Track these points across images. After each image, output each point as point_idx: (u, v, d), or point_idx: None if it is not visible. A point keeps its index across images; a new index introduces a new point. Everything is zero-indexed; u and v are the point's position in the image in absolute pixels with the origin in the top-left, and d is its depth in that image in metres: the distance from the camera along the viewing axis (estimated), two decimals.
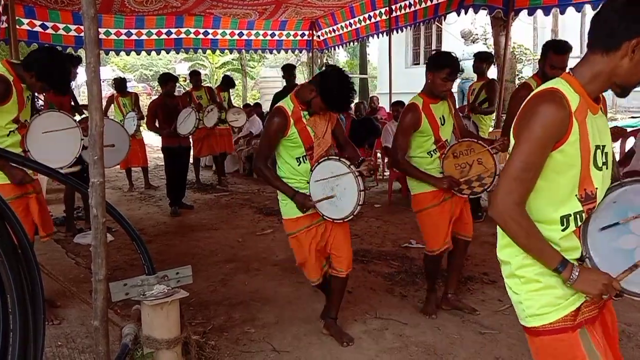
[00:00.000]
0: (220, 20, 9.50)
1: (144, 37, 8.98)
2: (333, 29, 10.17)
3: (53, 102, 5.23)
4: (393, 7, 8.52)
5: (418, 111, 3.41)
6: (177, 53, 11.02)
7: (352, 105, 8.50)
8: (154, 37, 9.07)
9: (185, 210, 7.12)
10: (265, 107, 11.52)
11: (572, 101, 1.53)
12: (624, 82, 1.55)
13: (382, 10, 8.83)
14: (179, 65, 28.17)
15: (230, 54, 20.81)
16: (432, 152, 3.49)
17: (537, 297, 1.62)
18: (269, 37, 10.35)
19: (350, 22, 9.66)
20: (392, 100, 8.22)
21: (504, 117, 10.01)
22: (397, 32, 9.18)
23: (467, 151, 3.43)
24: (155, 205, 7.62)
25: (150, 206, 7.61)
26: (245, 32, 10.00)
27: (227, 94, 9.37)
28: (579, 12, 6.65)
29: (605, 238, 1.61)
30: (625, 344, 3.25)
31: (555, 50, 3.69)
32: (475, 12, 7.41)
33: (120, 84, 8.76)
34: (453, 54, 3.37)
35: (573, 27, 12.71)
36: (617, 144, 5.18)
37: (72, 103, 5.98)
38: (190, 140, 7.53)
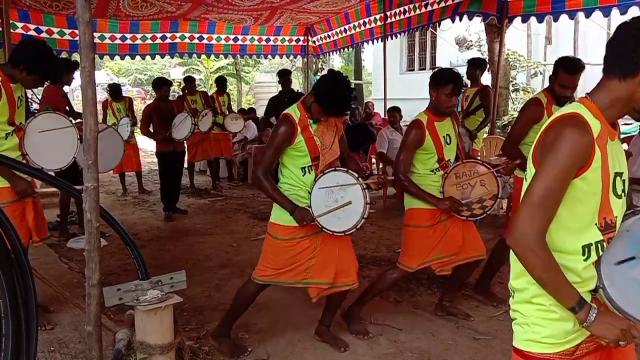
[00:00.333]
0: (215, 25, 9.51)
1: (138, 41, 8.96)
2: (328, 34, 10.19)
3: (49, 105, 5.22)
4: (388, 13, 8.54)
5: (422, 128, 3.34)
6: (172, 58, 11.02)
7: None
8: (149, 41, 9.06)
9: (179, 215, 7.10)
10: (260, 112, 11.51)
11: (594, 127, 1.49)
12: None
13: (377, 17, 8.85)
14: (174, 70, 28.17)
15: (225, 58, 20.86)
16: (435, 171, 3.43)
17: (546, 325, 1.56)
18: (264, 42, 10.35)
19: (345, 28, 9.68)
20: (387, 106, 8.25)
21: (498, 123, 10.09)
22: (392, 39, 9.21)
23: (470, 172, 3.37)
24: (149, 210, 7.59)
25: (144, 211, 7.58)
26: (240, 37, 10.00)
27: (226, 98, 9.35)
28: (572, 19, 6.68)
29: (620, 269, 1.54)
30: None
31: (566, 70, 3.58)
32: (470, 18, 7.45)
33: (115, 91, 8.73)
34: (455, 70, 3.37)
35: (566, 35, 12.80)
36: None
37: (67, 108, 5.96)
38: (185, 144, 7.51)
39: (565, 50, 13.20)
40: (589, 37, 12.18)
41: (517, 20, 6.98)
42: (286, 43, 10.62)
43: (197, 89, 9.21)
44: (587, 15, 6.08)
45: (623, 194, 1.57)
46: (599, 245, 1.54)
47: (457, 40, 14.55)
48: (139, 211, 7.57)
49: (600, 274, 1.53)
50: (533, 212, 1.47)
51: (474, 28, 13.23)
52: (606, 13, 5.91)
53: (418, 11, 8.03)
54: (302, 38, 10.68)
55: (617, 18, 6.58)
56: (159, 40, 9.12)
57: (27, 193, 3.34)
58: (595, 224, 1.53)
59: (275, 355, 3.23)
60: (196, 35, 9.50)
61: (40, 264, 4.56)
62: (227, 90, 9.87)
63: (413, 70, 18.89)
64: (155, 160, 7.53)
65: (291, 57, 12.59)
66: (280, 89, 8.47)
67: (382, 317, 3.74)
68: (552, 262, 1.48)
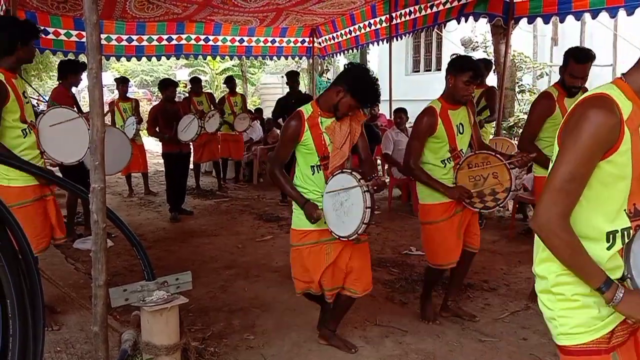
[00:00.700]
0: (221, 27, 9.53)
1: (144, 43, 9.00)
2: (333, 36, 10.19)
3: (56, 102, 5.25)
4: (393, 14, 8.54)
5: (435, 115, 3.28)
6: (178, 59, 11.08)
7: None
8: (155, 43, 9.09)
9: (185, 216, 7.12)
10: (267, 113, 11.53)
11: (624, 108, 1.43)
12: None
13: (383, 18, 8.85)
14: (180, 72, 28.25)
15: (231, 60, 20.91)
16: (445, 161, 3.36)
17: (571, 315, 1.54)
18: (269, 44, 10.37)
19: (350, 30, 9.68)
20: (392, 107, 8.24)
21: (504, 125, 10.06)
22: (397, 40, 9.21)
23: (483, 163, 3.30)
24: (155, 211, 7.61)
25: (150, 212, 7.60)
26: (245, 38, 10.02)
27: (239, 99, 9.35)
28: (578, 20, 6.65)
29: None
30: None
31: (576, 60, 3.54)
32: (476, 20, 7.43)
33: (123, 80, 8.80)
34: (474, 58, 3.35)
35: (573, 36, 12.73)
36: None
37: (75, 109, 5.99)
38: (191, 146, 7.53)
39: None
40: (596, 38, 12.11)
41: (523, 21, 6.96)
42: (292, 44, 10.64)
43: (202, 90, 9.23)
44: (594, 16, 6.05)
45: None
46: (625, 232, 1.49)
47: (463, 42, 14.50)
48: (145, 212, 7.59)
49: (628, 263, 1.48)
50: (555, 196, 1.44)
51: (479, 29, 13.20)
52: (613, 14, 5.88)
53: (423, 12, 8.02)
54: (307, 39, 10.69)
55: (623, 19, 6.57)
56: (165, 42, 9.15)
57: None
58: (624, 210, 1.48)
59: (281, 357, 3.23)
60: (202, 37, 9.53)
61: (47, 265, 4.58)
62: (239, 91, 9.87)
63: (418, 71, 18.84)
64: (161, 161, 7.55)
65: (296, 59, 12.60)
66: (287, 90, 8.48)
67: (388, 319, 3.74)
68: (576, 244, 1.45)
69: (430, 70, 18.43)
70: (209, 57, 11.13)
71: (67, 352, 3.22)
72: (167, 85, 7.06)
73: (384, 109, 11.45)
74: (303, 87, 16.01)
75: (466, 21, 7.41)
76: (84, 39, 7.80)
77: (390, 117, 8.33)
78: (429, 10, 7.90)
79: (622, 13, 5.76)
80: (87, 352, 3.18)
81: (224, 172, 9.86)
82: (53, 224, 3.58)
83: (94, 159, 2.04)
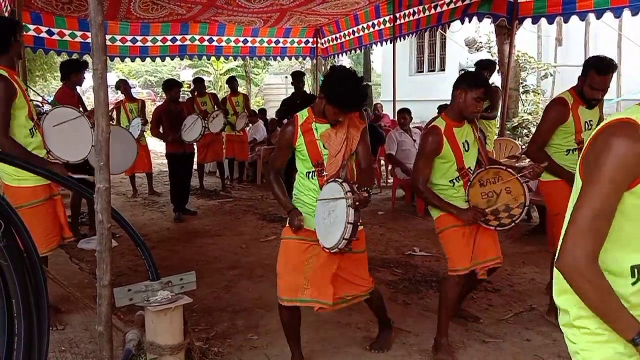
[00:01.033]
0: (225, 28, 9.56)
1: (149, 43, 9.03)
2: (337, 36, 10.21)
3: (59, 103, 5.27)
4: (397, 15, 8.55)
5: (439, 135, 3.14)
6: (182, 59, 11.10)
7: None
8: (159, 43, 9.12)
9: (188, 216, 7.13)
10: (270, 114, 11.55)
11: None
12: None
13: (386, 18, 8.86)
14: (184, 72, 28.31)
15: (235, 60, 20.93)
16: (454, 181, 3.21)
17: (596, 349, 1.41)
18: (273, 44, 10.40)
19: (354, 30, 9.69)
20: (396, 108, 8.24)
21: (508, 125, 10.05)
22: (401, 40, 9.21)
23: (495, 179, 3.16)
24: (159, 211, 7.63)
25: (154, 212, 7.62)
26: (249, 39, 10.05)
27: (240, 98, 9.37)
28: (582, 20, 6.65)
29: None
30: None
31: (598, 71, 3.36)
32: (480, 20, 7.44)
33: (123, 82, 8.87)
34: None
35: (577, 36, 12.70)
36: None
37: (81, 109, 6.01)
38: (195, 146, 7.55)
39: (576, 51, 13.12)
40: (600, 39, 12.08)
41: (527, 21, 6.96)
42: (295, 45, 10.66)
43: (206, 90, 9.26)
44: (598, 17, 6.05)
45: None
46: None
47: (467, 42, 14.50)
48: (149, 212, 7.61)
49: None
50: (581, 234, 1.32)
51: (483, 29, 13.19)
52: (617, 14, 5.87)
53: (427, 13, 8.03)
54: (311, 40, 10.71)
55: (628, 19, 6.55)
56: (169, 43, 9.18)
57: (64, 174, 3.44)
58: None
59: (284, 357, 3.23)
60: (206, 37, 9.56)
61: (51, 265, 4.58)
62: (243, 91, 9.91)
63: (422, 71, 18.85)
64: (165, 161, 7.57)
65: (300, 59, 12.61)
66: (291, 90, 8.49)
67: (391, 320, 3.73)
68: (607, 290, 1.32)
69: (434, 70, 18.43)
70: (212, 58, 11.17)
71: (72, 352, 3.23)
72: (171, 86, 7.07)
73: (387, 109, 11.48)
74: (307, 87, 16.03)
75: (470, 21, 7.41)
76: (88, 40, 7.90)
77: (394, 117, 8.33)
78: (432, 11, 7.90)
79: (626, 13, 5.75)
80: (91, 352, 3.19)
81: (230, 172, 9.88)
82: (62, 223, 3.64)
83: (98, 159, 2.05)
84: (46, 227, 3.45)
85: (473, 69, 6.99)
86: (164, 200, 8.22)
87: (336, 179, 2.79)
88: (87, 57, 8.59)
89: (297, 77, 8.23)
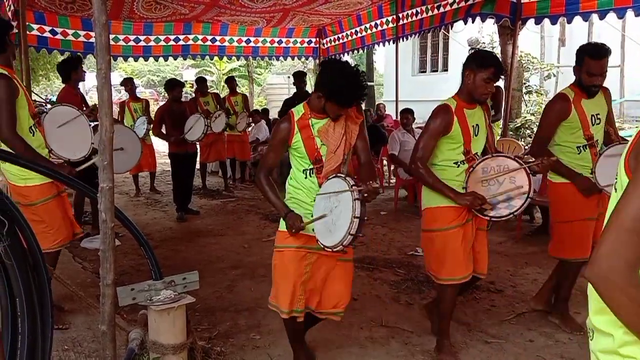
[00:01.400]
0: (228, 27, 9.57)
1: (152, 43, 9.05)
2: (339, 36, 10.21)
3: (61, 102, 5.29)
4: (400, 15, 8.55)
5: (450, 114, 2.96)
6: (185, 59, 11.11)
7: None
8: (162, 43, 9.14)
9: (191, 216, 7.14)
10: (273, 114, 11.57)
11: None
12: None
13: (389, 19, 8.86)
14: (186, 72, 28.37)
15: (238, 60, 20.96)
16: (459, 163, 3.04)
17: None
18: (276, 44, 10.41)
19: (356, 30, 9.70)
20: (399, 108, 8.23)
21: (510, 126, 10.03)
22: (404, 40, 9.21)
23: (500, 167, 2.98)
24: (162, 211, 7.64)
25: (157, 211, 7.63)
26: (252, 39, 10.07)
27: (239, 98, 9.39)
28: (585, 21, 6.63)
29: None
30: None
31: (591, 56, 3.28)
32: (483, 20, 7.43)
33: (129, 80, 8.90)
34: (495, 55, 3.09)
35: (580, 36, 12.68)
36: None
37: (84, 107, 6.03)
38: (197, 146, 7.56)
39: None
40: (603, 39, 12.03)
41: (531, 22, 6.95)
42: (298, 45, 10.67)
43: (208, 90, 9.27)
44: (602, 17, 6.03)
45: None
46: None
47: (470, 42, 14.48)
48: (152, 212, 7.62)
49: None
50: (625, 239, 1.10)
51: (486, 30, 13.19)
52: (620, 15, 5.86)
53: (430, 13, 8.02)
54: (314, 40, 10.71)
55: (631, 20, 6.54)
56: (172, 42, 9.20)
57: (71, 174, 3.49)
58: None
59: (287, 356, 3.23)
60: (209, 37, 9.58)
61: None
62: (242, 91, 9.93)
63: (425, 72, 18.84)
64: (168, 160, 7.58)
65: (303, 59, 12.62)
66: (294, 90, 8.50)
67: (394, 320, 3.74)
68: None
69: (436, 70, 18.42)
70: (215, 58, 11.17)
71: (75, 351, 3.24)
72: (173, 86, 7.08)
73: (390, 109, 11.47)
74: (309, 87, 16.01)
75: (473, 22, 7.40)
76: (91, 39, 7.91)
77: (397, 117, 8.32)
78: (435, 11, 7.90)
79: (630, 14, 5.74)
80: (94, 351, 3.20)
81: (232, 172, 9.89)
82: (71, 219, 3.73)
83: (102, 158, 2.05)
84: (61, 220, 3.58)
85: None
86: (166, 200, 8.24)
87: (338, 174, 2.69)
88: (90, 57, 8.63)
89: (299, 77, 8.22)
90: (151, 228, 6.55)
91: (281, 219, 2.84)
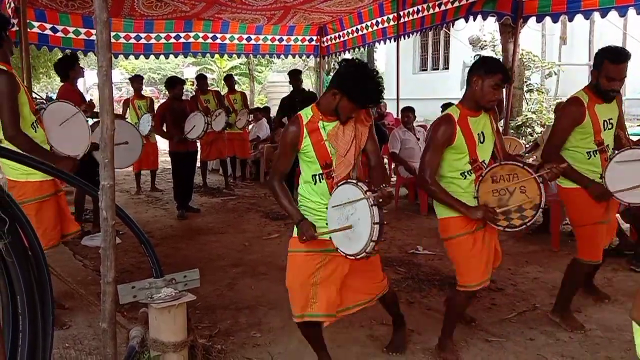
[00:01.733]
0: (229, 25, 9.56)
1: (152, 41, 9.05)
2: (340, 34, 10.20)
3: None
4: (401, 13, 8.54)
5: (452, 124, 2.92)
6: (186, 57, 11.11)
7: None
8: (163, 41, 9.14)
9: (192, 214, 7.14)
10: (274, 112, 11.56)
11: None
12: None
13: (390, 16, 8.85)
14: (187, 70, 28.36)
15: (238, 58, 20.92)
16: (466, 174, 3.00)
17: None
18: (277, 42, 10.41)
19: (357, 28, 9.69)
20: (400, 106, 8.23)
21: (512, 124, 10.02)
22: (405, 38, 9.20)
23: (509, 176, 2.94)
24: (162, 209, 7.64)
25: (157, 209, 7.63)
26: (253, 36, 10.06)
27: (238, 96, 9.40)
28: (587, 19, 6.64)
29: None
30: (634, 353, 3.22)
31: (612, 60, 3.20)
32: (484, 18, 7.43)
33: (137, 78, 8.95)
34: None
35: (581, 35, 12.69)
36: None
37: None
38: (198, 144, 7.56)
39: (580, 50, 13.09)
40: (605, 38, 12.05)
41: (532, 20, 6.95)
42: (299, 43, 10.66)
43: (209, 88, 9.27)
44: (603, 15, 6.03)
45: None
46: None
47: (471, 40, 14.48)
48: (152, 209, 7.62)
49: None
50: None
51: (488, 28, 13.17)
52: (622, 13, 5.86)
53: (431, 11, 8.02)
54: (315, 38, 10.71)
55: (633, 18, 6.53)
56: (172, 40, 9.20)
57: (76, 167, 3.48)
58: None
59: (287, 354, 3.24)
60: (210, 35, 9.57)
61: (55, 261, 4.59)
62: (241, 89, 9.94)
63: (426, 70, 18.84)
64: (168, 158, 7.59)
65: (304, 57, 12.61)
66: (291, 89, 8.49)
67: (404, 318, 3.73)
68: None
69: (437, 69, 18.42)
70: (216, 55, 11.14)
71: (76, 348, 3.24)
72: (174, 84, 7.07)
73: (391, 107, 11.46)
74: (310, 85, 16.02)
75: (474, 20, 7.40)
76: (92, 37, 7.91)
77: (398, 115, 8.32)
78: (437, 9, 7.89)
79: (631, 12, 5.73)
80: (95, 349, 3.20)
81: (232, 170, 9.89)
82: (67, 217, 3.68)
83: (103, 156, 2.05)
84: (48, 224, 3.47)
85: None
86: (167, 198, 8.24)
87: (348, 180, 2.63)
88: (91, 55, 8.63)
89: (295, 76, 8.23)
90: (152, 226, 6.55)
91: (294, 225, 2.80)
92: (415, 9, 8.34)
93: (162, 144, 9.17)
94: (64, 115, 3.80)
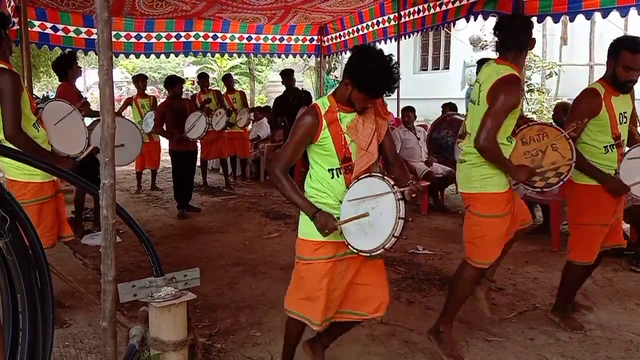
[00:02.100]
0: (229, 24, 9.55)
1: (153, 40, 9.04)
2: (341, 34, 10.19)
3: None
4: (402, 13, 8.53)
5: (519, 83, 2.90)
6: (186, 56, 11.08)
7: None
8: (164, 40, 9.13)
9: (192, 213, 7.14)
10: None
11: None
12: None
13: (391, 16, 8.84)
14: (187, 69, 28.32)
15: (239, 57, 20.89)
16: (510, 139, 2.97)
17: None
18: (277, 42, 10.39)
19: (358, 28, 9.68)
20: (400, 106, 8.22)
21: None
22: (406, 38, 9.19)
23: (539, 136, 2.98)
24: (163, 208, 7.65)
25: (158, 208, 7.64)
26: (254, 36, 10.05)
27: (237, 96, 9.40)
28: (588, 19, 6.62)
29: None
30: (634, 353, 3.23)
31: (631, 49, 3.15)
32: (485, 18, 7.41)
33: (141, 77, 8.98)
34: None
35: (582, 35, 12.67)
36: None
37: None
38: (198, 143, 7.56)
39: (581, 51, 13.07)
40: (606, 38, 12.02)
41: (533, 20, 6.92)
42: (299, 42, 10.65)
43: (210, 87, 9.28)
44: (604, 16, 6.01)
45: None
46: None
47: (472, 40, 14.48)
48: (153, 208, 7.63)
49: None
50: None
51: (488, 28, 13.15)
52: (623, 13, 5.84)
53: (432, 11, 8.01)
54: (315, 37, 10.69)
55: (634, 18, 6.52)
56: (173, 39, 9.19)
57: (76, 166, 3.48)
58: None
59: None
60: (210, 34, 9.56)
61: (55, 260, 4.59)
62: (240, 89, 9.94)
63: (426, 70, 18.82)
64: (168, 158, 7.59)
65: (304, 57, 12.59)
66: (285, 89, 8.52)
67: (394, 318, 3.73)
68: None
69: (438, 69, 18.40)
70: (217, 55, 11.12)
71: (76, 347, 3.24)
72: (173, 83, 7.07)
73: (391, 107, 11.42)
74: (311, 85, 16.00)
75: (475, 20, 7.39)
76: (93, 36, 7.90)
77: (398, 115, 8.32)
78: (437, 9, 7.88)
79: (633, 12, 5.72)
80: (95, 347, 3.21)
81: (233, 169, 9.90)
82: (62, 221, 3.65)
83: (104, 155, 2.05)
84: (47, 225, 3.46)
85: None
86: (167, 197, 8.24)
87: (372, 174, 2.50)
88: (92, 54, 8.63)
89: (287, 75, 8.23)
90: (152, 225, 6.55)
91: (306, 229, 2.59)
92: (415, 8, 8.32)
93: (163, 143, 9.18)
94: (59, 114, 3.79)
